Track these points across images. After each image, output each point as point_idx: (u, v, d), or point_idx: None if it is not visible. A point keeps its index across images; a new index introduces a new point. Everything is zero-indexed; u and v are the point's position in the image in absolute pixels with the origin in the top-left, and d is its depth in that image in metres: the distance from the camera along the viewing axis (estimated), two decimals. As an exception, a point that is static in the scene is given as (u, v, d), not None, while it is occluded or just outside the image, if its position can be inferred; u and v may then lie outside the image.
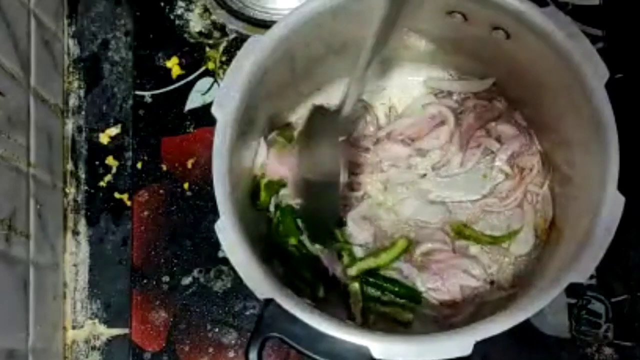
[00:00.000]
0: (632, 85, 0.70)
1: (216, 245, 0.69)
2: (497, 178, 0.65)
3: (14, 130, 0.63)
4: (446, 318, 0.62)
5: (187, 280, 0.69)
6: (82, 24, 0.77)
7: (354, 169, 0.66)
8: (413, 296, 0.63)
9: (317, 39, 0.59)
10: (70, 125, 0.75)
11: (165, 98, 0.74)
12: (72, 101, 0.76)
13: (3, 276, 0.59)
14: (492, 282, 0.63)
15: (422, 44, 0.66)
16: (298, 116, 0.69)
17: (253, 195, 0.63)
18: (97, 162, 0.74)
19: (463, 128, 0.66)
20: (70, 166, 0.74)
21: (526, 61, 0.58)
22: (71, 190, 0.74)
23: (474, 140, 0.66)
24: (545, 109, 0.61)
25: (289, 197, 0.64)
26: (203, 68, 0.74)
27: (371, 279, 0.63)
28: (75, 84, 0.76)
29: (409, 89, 0.69)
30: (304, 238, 0.64)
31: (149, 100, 0.74)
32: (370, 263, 0.63)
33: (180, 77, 0.74)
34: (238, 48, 0.56)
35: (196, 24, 0.75)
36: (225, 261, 0.68)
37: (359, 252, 0.65)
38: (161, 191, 0.72)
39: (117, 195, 0.73)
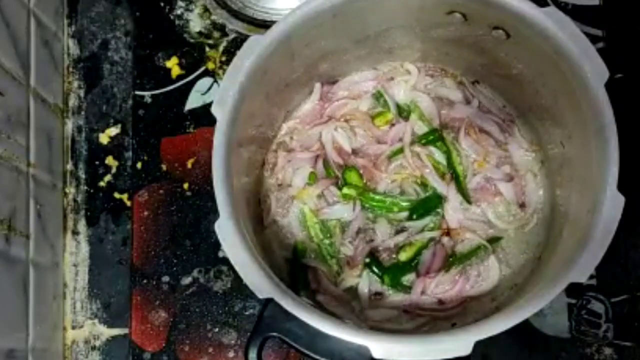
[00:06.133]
0: (632, 85, 0.70)
1: (216, 245, 0.69)
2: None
3: (14, 130, 0.63)
4: (447, 318, 0.63)
5: (187, 280, 0.69)
6: (82, 24, 0.77)
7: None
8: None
9: (317, 39, 0.59)
10: (70, 125, 0.75)
11: (165, 98, 0.74)
12: (72, 101, 0.76)
13: (3, 276, 0.59)
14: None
15: (421, 44, 0.66)
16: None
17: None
18: (97, 162, 0.74)
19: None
20: (70, 166, 0.74)
21: (526, 61, 0.58)
22: (71, 190, 0.74)
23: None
24: (545, 109, 0.61)
25: None
26: (203, 68, 0.74)
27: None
28: (75, 84, 0.76)
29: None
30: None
31: (148, 100, 0.74)
32: None
33: (180, 77, 0.74)
34: (238, 48, 0.56)
35: (196, 24, 0.75)
36: (225, 261, 0.68)
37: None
38: (161, 191, 0.72)
39: (117, 195, 0.73)
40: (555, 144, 0.62)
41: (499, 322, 0.48)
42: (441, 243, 0.64)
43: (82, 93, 0.76)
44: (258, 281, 0.50)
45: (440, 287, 0.63)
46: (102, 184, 0.73)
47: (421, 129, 0.67)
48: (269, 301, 0.50)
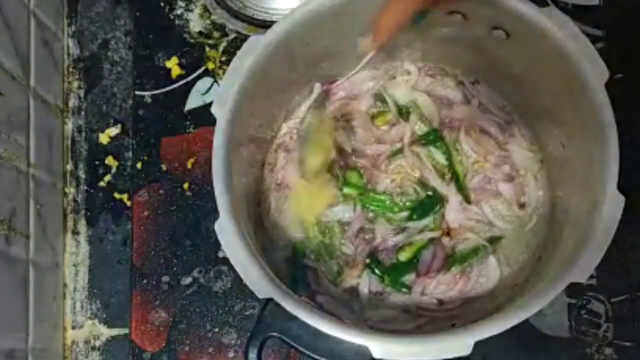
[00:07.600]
0: (632, 85, 0.70)
1: (216, 245, 0.69)
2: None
3: (14, 130, 0.63)
4: (447, 318, 0.63)
5: (187, 280, 0.69)
6: (82, 24, 0.77)
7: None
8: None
9: (317, 39, 0.59)
10: (70, 125, 0.75)
11: (165, 98, 0.74)
12: (72, 101, 0.76)
13: (3, 276, 0.59)
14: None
15: (420, 44, 0.66)
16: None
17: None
18: (97, 162, 0.74)
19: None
20: (70, 166, 0.74)
21: (526, 61, 0.58)
22: (71, 190, 0.74)
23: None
24: (545, 109, 0.61)
25: None
26: (203, 68, 0.74)
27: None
28: (75, 84, 0.76)
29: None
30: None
31: (148, 100, 0.74)
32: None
33: (180, 77, 0.74)
34: (238, 48, 0.56)
35: (196, 24, 0.75)
36: (225, 261, 0.68)
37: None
38: (161, 191, 0.72)
39: (117, 195, 0.73)
40: (555, 144, 0.62)
41: (499, 322, 0.48)
42: (441, 243, 0.64)
43: (82, 93, 0.76)
44: (258, 281, 0.50)
45: (440, 287, 0.63)
46: (102, 184, 0.73)
47: (421, 129, 0.67)
48: (269, 301, 0.50)
